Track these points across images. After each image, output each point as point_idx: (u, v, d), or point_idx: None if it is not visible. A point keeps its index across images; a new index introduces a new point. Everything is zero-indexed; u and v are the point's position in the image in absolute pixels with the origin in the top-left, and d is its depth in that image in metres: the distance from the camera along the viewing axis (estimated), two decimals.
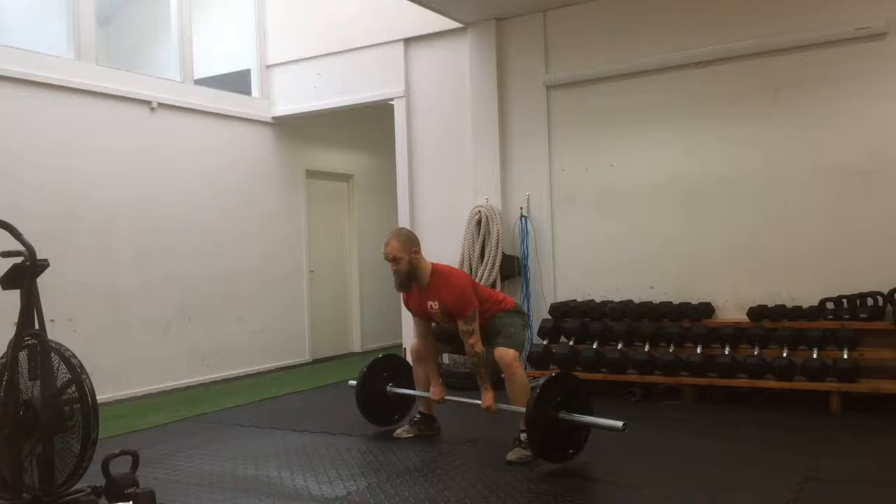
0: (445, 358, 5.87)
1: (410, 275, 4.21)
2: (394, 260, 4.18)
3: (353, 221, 9.20)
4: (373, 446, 4.45)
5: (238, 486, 3.76)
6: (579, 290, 6.24)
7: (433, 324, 4.45)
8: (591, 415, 3.92)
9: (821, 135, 5.42)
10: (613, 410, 5.19)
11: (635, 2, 6.10)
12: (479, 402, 4.24)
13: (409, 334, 6.77)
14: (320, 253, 8.72)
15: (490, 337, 4.21)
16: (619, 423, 3.74)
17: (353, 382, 4.81)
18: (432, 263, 4.30)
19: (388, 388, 4.77)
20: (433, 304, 4.23)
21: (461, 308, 4.13)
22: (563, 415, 3.81)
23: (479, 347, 4.14)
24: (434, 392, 4.47)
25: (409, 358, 6.72)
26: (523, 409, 3.89)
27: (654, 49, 5.96)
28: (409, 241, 4.24)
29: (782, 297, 5.46)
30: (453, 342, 4.40)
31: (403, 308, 6.90)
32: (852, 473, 3.63)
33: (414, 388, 4.71)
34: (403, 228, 4.32)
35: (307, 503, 3.47)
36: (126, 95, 6.59)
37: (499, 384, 4.26)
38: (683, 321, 5.65)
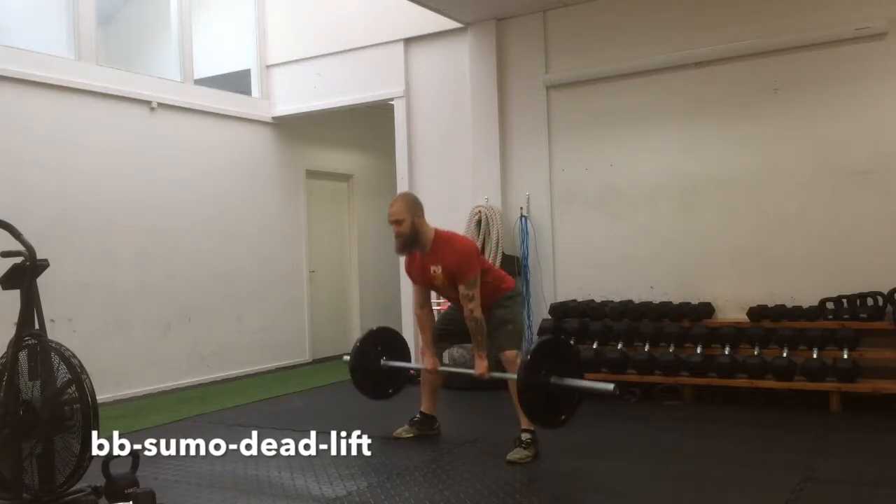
0: (445, 357, 5.88)
1: (412, 238, 4.21)
2: (396, 222, 4.20)
3: (353, 221, 9.19)
4: (373, 446, 4.44)
5: (238, 486, 3.76)
6: (579, 290, 6.24)
7: (437, 299, 4.41)
8: (582, 378, 3.91)
9: (821, 135, 5.42)
10: (613, 410, 5.23)
11: (635, 2, 6.10)
12: (473, 373, 4.22)
13: (409, 335, 6.76)
14: (320, 253, 8.72)
15: (491, 329, 4.20)
16: (610, 386, 3.73)
17: (347, 357, 4.79)
18: (435, 229, 4.29)
19: (382, 362, 4.76)
20: (436, 269, 4.20)
21: (464, 272, 4.11)
22: (554, 380, 3.80)
23: (479, 313, 4.11)
24: (427, 362, 4.45)
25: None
26: (514, 376, 3.87)
27: (654, 49, 5.96)
28: (413, 204, 4.26)
29: (782, 297, 5.46)
30: (456, 337, 4.40)
31: (403, 308, 6.94)
32: (852, 473, 3.63)
33: (408, 361, 4.76)
34: (408, 192, 4.35)
35: (307, 503, 3.47)
36: (126, 95, 6.58)
37: (498, 384, 4.27)
38: (683, 321, 5.64)
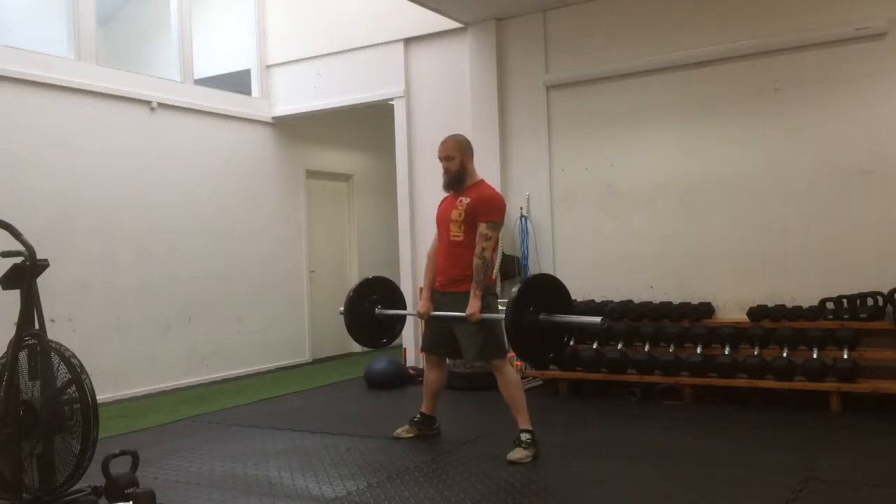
0: (446, 358, 5.87)
1: (459, 176, 4.27)
2: (447, 158, 4.26)
3: (353, 221, 9.20)
4: (373, 446, 4.45)
5: (238, 486, 3.76)
6: (579, 290, 6.23)
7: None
8: (572, 314, 3.95)
9: (821, 134, 5.42)
10: (614, 410, 5.24)
11: (635, 2, 6.10)
12: (463, 315, 4.13)
13: (408, 335, 6.77)
14: (320, 253, 8.72)
15: (469, 334, 4.19)
16: (597, 319, 3.77)
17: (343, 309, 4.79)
18: (481, 178, 4.35)
19: (377, 310, 4.75)
20: (463, 199, 4.23)
21: (489, 211, 4.15)
22: (543, 317, 3.79)
23: (489, 254, 4.12)
24: (421, 306, 4.46)
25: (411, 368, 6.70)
26: (502, 317, 3.86)
27: (654, 49, 5.96)
28: (465, 144, 4.31)
29: (782, 297, 5.46)
30: (451, 345, 4.39)
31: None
32: (852, 473, 3.63)
33: (403, 309, 4.85)
34: (461, 134, 4.41)
35: (307, 503, 3.47)
36: (126, 95, 6.58)
37: (494, 385, 4.28)
38: (683, 321, 5.64)
